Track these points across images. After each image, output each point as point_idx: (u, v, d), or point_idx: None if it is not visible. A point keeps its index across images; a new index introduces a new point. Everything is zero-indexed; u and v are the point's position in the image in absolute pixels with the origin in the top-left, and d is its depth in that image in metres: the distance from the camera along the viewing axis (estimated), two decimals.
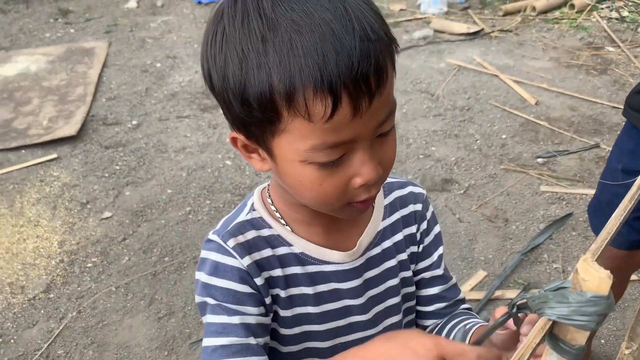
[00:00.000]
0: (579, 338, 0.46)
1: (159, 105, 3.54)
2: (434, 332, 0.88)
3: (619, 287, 1.58)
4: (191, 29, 4.60)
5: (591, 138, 3.04)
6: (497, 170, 2.84)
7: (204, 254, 0.75)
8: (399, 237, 0.83)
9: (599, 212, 1.48)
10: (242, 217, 0.77)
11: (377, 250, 0.81)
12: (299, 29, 0.57)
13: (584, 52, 3.95)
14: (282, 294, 0.76)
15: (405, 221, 0.84)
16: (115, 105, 3.54)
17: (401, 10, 4.77)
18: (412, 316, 0.89)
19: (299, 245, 0.77)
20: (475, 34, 4.24)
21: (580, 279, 0.44)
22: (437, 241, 0.87)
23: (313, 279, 0.77)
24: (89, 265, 2.36)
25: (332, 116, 0.58)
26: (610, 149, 2.90)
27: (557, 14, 4.54)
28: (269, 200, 0.78)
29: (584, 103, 3.37)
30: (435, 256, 0.87)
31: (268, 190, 0.79)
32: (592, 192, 2.63)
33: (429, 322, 0.89)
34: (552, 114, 3.28)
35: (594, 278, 0.43)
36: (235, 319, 0.71)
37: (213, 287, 0.72)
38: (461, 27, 4.27)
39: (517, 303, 0.54)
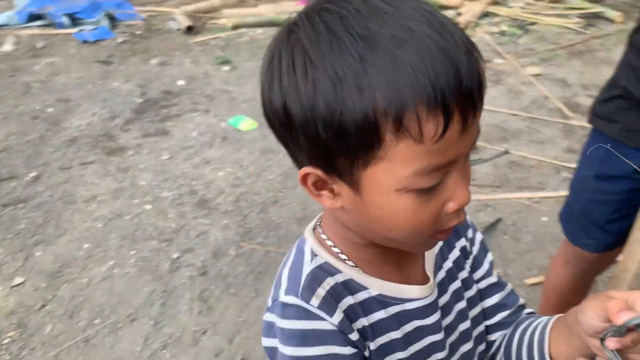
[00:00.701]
0: None
1: (59, 153, 3.24)
2: (504, 343, 0.82)
3: (585, 288, 1.64)
4: (81, 69, 4.30)
5: (500, 145, 3.21)
6: None
7: (282, 323, 0.64)
8: (455, 253, 0.79)
9: (572, 219, 1.52)
10: (309, 266, 0.67)
11: (442, 274, 0.76)
12: (400, 44, 0.51)
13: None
14: (372, 345, 0.68)
15: (455, 234, 0.79)
16: (6, 158, 3.19)
17: None
18: (483, 346, 0.83)
19: (375, 286, 0.69)
20: None
21: None
22: (484, 248, 0.83)
23: (399, 320, 0.70)
24: (6, 341, 2.06)
25: (444, 134, 0.53)
26: (520, 153, 3.09)
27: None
28: (329, 243, 0.69)
29: (487, 113, 3.55)
30: (486, 264, 0.82)
31: (322, 232, 0.70)
32: (513, 195, 2.77)
33: (495, 336, 0.83)
34: None
35: None
36: None
37: (308, 359, 0.62)
38: None
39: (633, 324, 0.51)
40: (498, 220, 2.61)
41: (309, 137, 0.56)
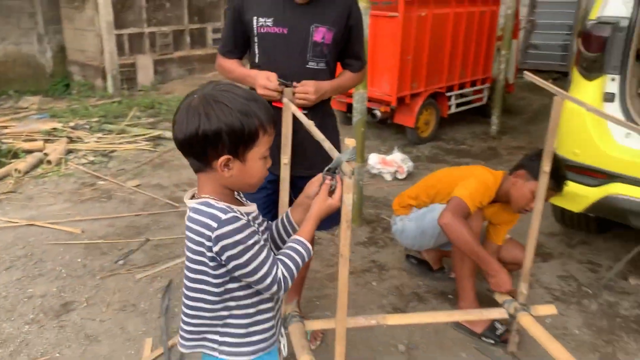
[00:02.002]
0: (352, 164, 1.45)
1: None
2: (269, 235, 1.66)
3: None
4: None
5: (139, 238, 3.97)
6: (98, 281, 3.39)
7: (231, 227, 1.36)
8: None
9: None
10: (220, 205, 1.40)
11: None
12: (257, 99, 1.40)
13: (85, 189, 4.86)
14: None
15: None
16: None
17: None
18: None
19: (240, 211, 1.46)
20: None
21: (346, 145, 1.44)
22: None
23: (253, 220, 1.50)
24: None
25: (273, 131, 1.42)
26: (159, 237, 3.93)
27: (40, 170, 5.26)
28: (213, 199, 1.43)
29: (115, 220, 4.26)
30: None
31: (206, 197, 1.43)
32: (174, 262, 3.58)
33: (265, 234, 1.66)
34: (100, 233, 4.03)
35: (350, 142, 1.44)
36: (262, 241, 1.42)
37: (248, 236, 1.38)
38: None
39: (330, 167, 1.49)
40: (170, 282, 3.37)
41: (232, 140, 1.35)
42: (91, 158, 5.64)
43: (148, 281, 3.42)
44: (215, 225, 1.38)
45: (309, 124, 1.80)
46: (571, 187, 3.03)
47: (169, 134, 6.30)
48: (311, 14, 2.24)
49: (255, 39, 2.29)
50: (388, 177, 5.21)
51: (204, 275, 1.46)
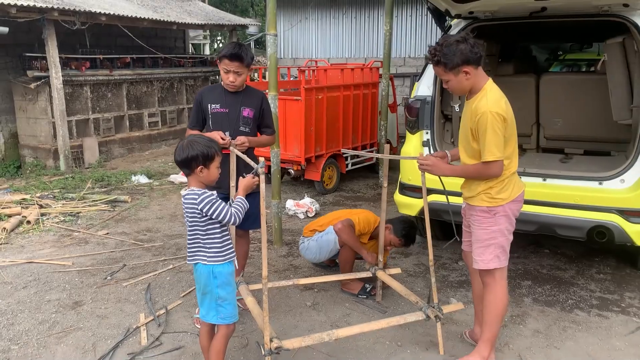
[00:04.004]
0: (263, 169, 3.12)
1: None
2: None
3: None
4: None
5: (116, 264, 5.38)
6: (95, 289, 4.78)
7: (207, 195, 2.96)
8: None
9: None
10: (199, 189, 3.00)
11: None
12: (212, 141, 3.11)
13: (65, 238, 6.20)
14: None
15: None
16: None
17: None
18: None
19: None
20: None
21: (260, 160, 3.13)
22: None
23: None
24: None
25: (221, 155, 3.12)
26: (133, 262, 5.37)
27: (22, 229, 6.53)
28: (197, 188, 3.06)
29: (95, 255, 5.64)
30: None
31: (194, 187, 3.04)
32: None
33: None
34: (86, 264, 5.40)
35: (261, 159, 3.13)
36: (220, 200, 3.04)
37: (214, 198, 2.98)
38: None
39: (252, 172, 3.16)
40: (149, 284, 4.81)
41: (203, 158, 2.98)
42: (62, 218, 6.97)
43: (133, 286, 4.84)
44: (197, 197, 3.01)
45: (244, 156, 3.49)
46: (408, 200, 4.87)
47: (123, 197, 7.77)
48: (240, 100, 3.99)
49: (210, 116, 3.99)
50: (301, 216, 6.93)
51: (196, 222, 3.07)
